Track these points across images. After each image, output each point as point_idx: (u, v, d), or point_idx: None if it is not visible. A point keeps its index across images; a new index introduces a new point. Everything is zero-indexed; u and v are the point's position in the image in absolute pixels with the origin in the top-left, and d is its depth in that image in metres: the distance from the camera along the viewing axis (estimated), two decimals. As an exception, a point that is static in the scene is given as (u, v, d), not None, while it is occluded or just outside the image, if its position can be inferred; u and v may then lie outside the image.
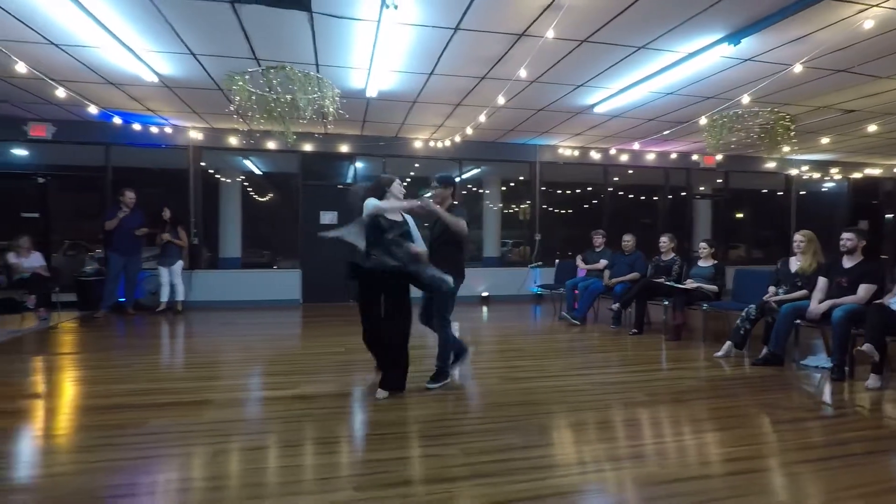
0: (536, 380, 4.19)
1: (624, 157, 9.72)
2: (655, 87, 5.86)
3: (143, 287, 7.74)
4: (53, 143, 7.69)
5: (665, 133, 7.76)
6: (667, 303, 5.93)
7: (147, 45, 4.78)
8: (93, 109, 6.31)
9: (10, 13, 4.02)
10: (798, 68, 4.62)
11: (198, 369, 4.67)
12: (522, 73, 4.88)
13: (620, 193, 12.28)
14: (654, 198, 10.97)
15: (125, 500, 2.23)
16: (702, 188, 11.82)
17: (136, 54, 4.92)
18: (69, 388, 4.01)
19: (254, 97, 4.94)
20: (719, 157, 9.67)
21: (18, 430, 3.08)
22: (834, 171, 11.22)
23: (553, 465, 2.56)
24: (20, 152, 8.06)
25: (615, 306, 6.26)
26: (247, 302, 8.32)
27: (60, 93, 5.38)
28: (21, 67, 4.51)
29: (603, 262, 7.03)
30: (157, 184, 8.55)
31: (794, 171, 11.01)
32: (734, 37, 4.40)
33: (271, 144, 8.24)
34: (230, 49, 4.86)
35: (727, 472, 2.48)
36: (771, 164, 10.42)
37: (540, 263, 9.50)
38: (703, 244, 6.00)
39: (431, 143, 8.99)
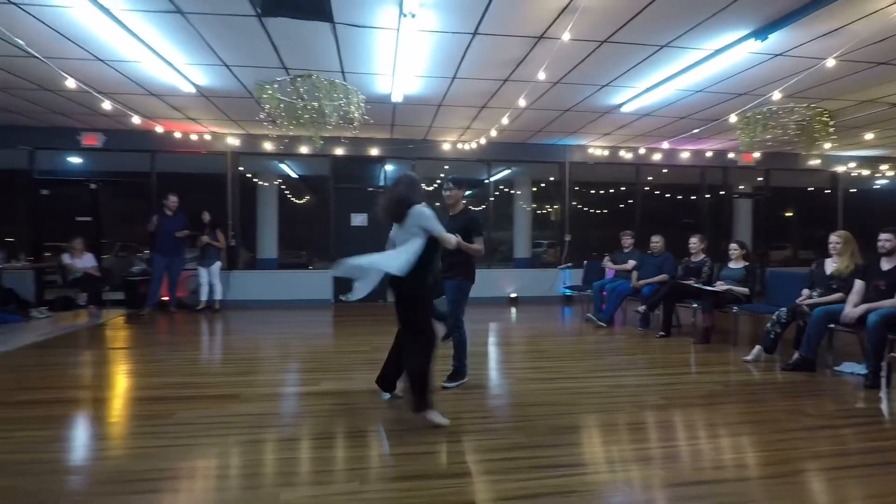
0: (555, 381, 4.20)
1: (657, 156, 9.51)
2: (683, 84, 5.74)
3: (185, 287, 8.15)
4: (104, 152, 8.21)
5: (695, 131, 7.57)
6: (695, 305, 5.80)
7: (184, 58, 5.07)
8: (136, 120, 6.70)
9: (60, 33, 4.35)
10: (831, 62, 4.44)
11: (229, 365, 4.92)
12: (541, 76, 4.90)
13: (657, 193, 12.03)
14: (693, 197, 10.66)
15: (161, 483, 2.42)
16: (741, 187, 11.43)
17: (174, 67, 5.21)
18: (114, 380, 4.31)
19: (282, 105, 5.15)
20: (757, 154, 9.33)
21: (71, 417, 3.35)
22: (885, 167, 10.62)
23: (556, 465, 2.59)
24: (74, 160, 8.64)
25: (642, 308, 6.16)
26: (281, 301, 8.62)
27: (106, 105, 5.75)
28: (70, 83, 4.86)
29: (631, 263, 6.92)
30: (198, 188, 8.96)
31: (840, 168, 10.49)
32: (761, 32, 4.28)
33: (303, 149, 8.52)
34: (260, 59, 5.08)
35: (738, 478, 2.45)
36: (815, 161, 9.97)
37: (570, 264, 9.42)
38: (733, 245, 5.83)
39: (460, 146, 9.06)
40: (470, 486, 2.39)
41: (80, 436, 3.11)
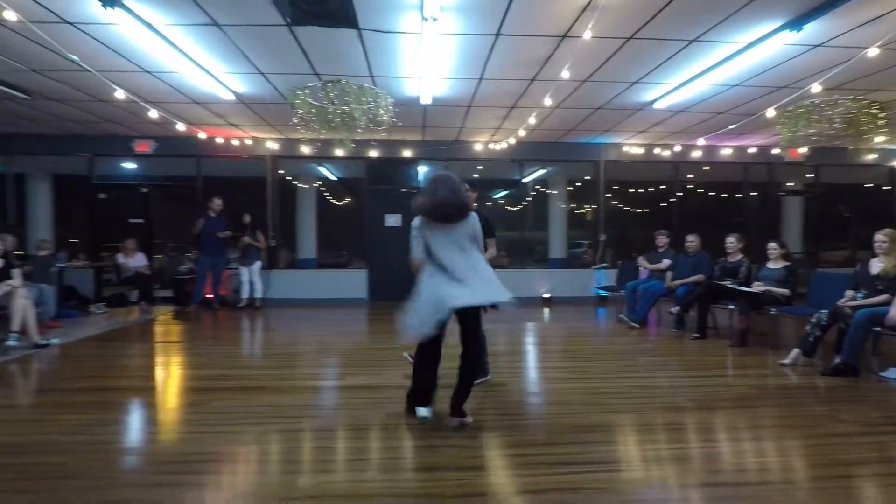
0: (578, 381, 4.18)
1: (696, 153, 9.23)
2: (717, 79, 5.58)
3: (227, 285, 8.54)
4: (154, 158, 8.73)
5: (731, 127, 7.32)
6: (732, 307, 5.61)
7: (223, 68, 5.34)
8: (181, 126, 7.10)
9: (110, 47, 4.68)
10: (874, 52, 4.22)
11: (265, 359, 5.17)
12: (565, 75, 4.88)
13: (698, 191, 11.67)
14: (738, 195, 10.25)
15: (193, 465, 2.59)
16: (790, 183, 10.92)
17: (214, 76, 5.50)
18: (160, 371, 4.61)
19: (314, 109, 5.35)
20: (803, 149, 8.90)
21: (119, 404, 3.61)
22: (952, 160, 9.91)
23: (568, 462, 2.60)
24: (128, 166, 9.21)
25: (674, 309, 6.02)
26: (319, 300, 8.89)
27: (153, 114, 6.12)
28: (120, 94, 5.21)
29: (665, 263, 6.76)
30: (241, 191, 9.38)
31: (899, 163, 9.87)
32: (796, 23, 4.13)
33: (339, 152, 8.75)
34: (293, 66, 5.29)
35: (745, 482, 2.39)
36: (870, 156, 9.39)
37: (605, 264, 9.28)
38: (771, 245, 5.60)
39: (491, 146, 9.09)
40: (481, 478, 2.44)
41: (125, 420, 3.35)
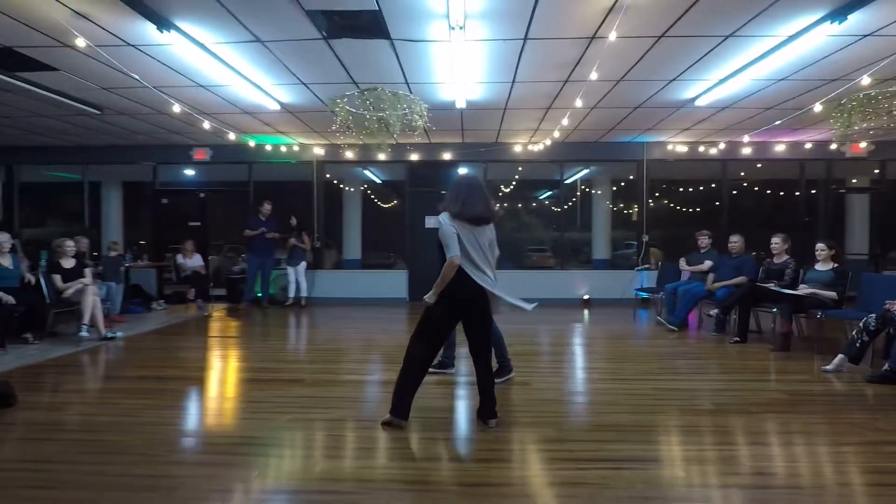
0: (604, 381, 4.19)
1: (747, 151, 8.87)
2: (760, 74, 5.39)
3: (276, 284, 9.01)
4: (211, 164, 9.33)
5: (777, 123, 7.00)
6: (775, 310, 5.40)
7: (268, 80, 5.68)
8: (231, 136, 7.57)
9: (166, 65, 5.10)
10: (928, 40, 3.97)
11: (305, 354, 5.46)
12: (593, 76, 4.87)
13: (752, 190, 11.18)
14: (795, 193, 9.71)
15: (242, 447, 2.85)
16: (854, 180, 10.27)
17: (260, 88, 5.86)
18: (210, 363, 4.97)
19: (351, 117, 5.60)
20: (865, 144, 8.36)
21: (171, 391, 3.96)
22: None
23: (576, 458, 2.66)
24: (187, 172, 9.89)
25: (713, 312, 5.85)
26: (361, 299, 9.21)
27: (206, 125, 6.58)
28: (176, 108, 5.66)
29: (707, 264, 6.57)
30: (289, 195, 9.85)
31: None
32: (838, 14, 3.95)
33: (381, 156, 9.03)
34: (332, 76, 5.56)
35: (761, 485, 2.37)
36: (945, 150, 8.71)
37: (647, 266, 9.08)
38: (820, 245, 5.35)
39: (531, 147, 9.09)
40: (484, 470, 2.54)
41: (176, 405, 3.66)
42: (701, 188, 10.76)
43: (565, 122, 6.76)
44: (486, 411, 3.14)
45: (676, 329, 6.29)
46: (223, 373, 4.66)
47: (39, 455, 2.79)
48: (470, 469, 2.57)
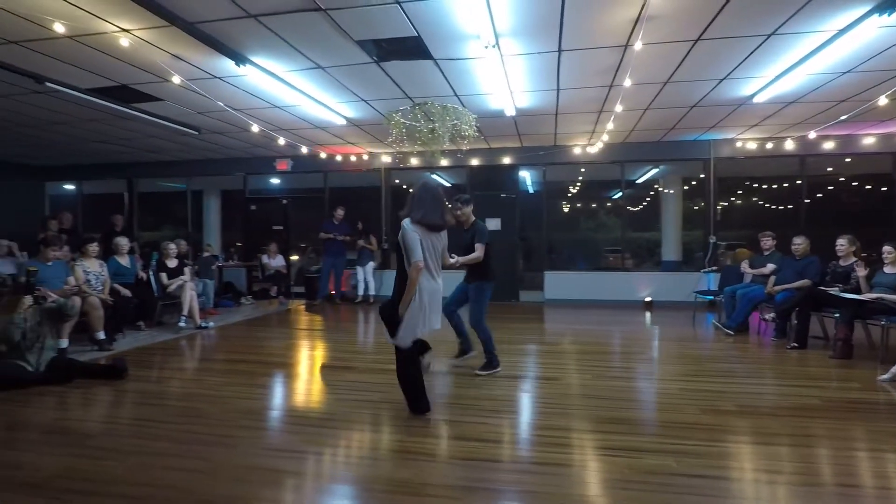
0: (632, 380, 4.31)
1: (828, 145, 8.29)
2: (817, 69, 5.17)
3: (347, 282, 9.78)
4: (291, 174, 10.31)
5: (843, 118, 6.55)
6: (837, 315, 5.15)
7: (333, 99, 6.33)
8: (304, 150, 8.40)
9: (247, 91, 5.89)
10: None
11: (374, 346, 6.02)
12: (627, 83, 4.97)
13: (840, 186, 10.35)
14: (883, 188, 8.88)
15: (303, 418, 3.41)
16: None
17: (327, 106, 6.53)
18: (289, 351, 5.68)
19: (405, 129, 6.11)
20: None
21: (248, 373, 4.66)
22: None
23: (575, 445, 2.91)
24: (273, 181, 10.99)
25: (770, 316, 5.66)
26: (424, 297, 9.71)
27: (281, 141, 7.40)
28: (255, 128, 6.47)
29: (769, 267, 6.32)
30: (360, 200, 10.63)
31: None
32: (886, 7, 3.79)
33: (443, 161, 9.51)
34: (388, 93, 6.08)
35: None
36: None
37: (714, 268, 8.76)
38: (887, 248, 5.02)
39: (590, 149, 9.12)
40: (489, 448, 2.88)
41: (251, 383, 4.32)
42: (774, 186, 10.12)
43: (610, 125, 6.80)
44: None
45: (733, 333, 6.14)
46: (294, 359, 5.33)
47: (144, 415, 3.53)
48: (478, 448, 2.92)
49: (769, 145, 8.51)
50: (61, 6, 3.77)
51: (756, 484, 2.43)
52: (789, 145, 8.32)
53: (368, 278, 9.39)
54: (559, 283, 9.49)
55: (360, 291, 9.40)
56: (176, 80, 5.03)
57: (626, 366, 4.88)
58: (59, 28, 3.95)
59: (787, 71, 5.25)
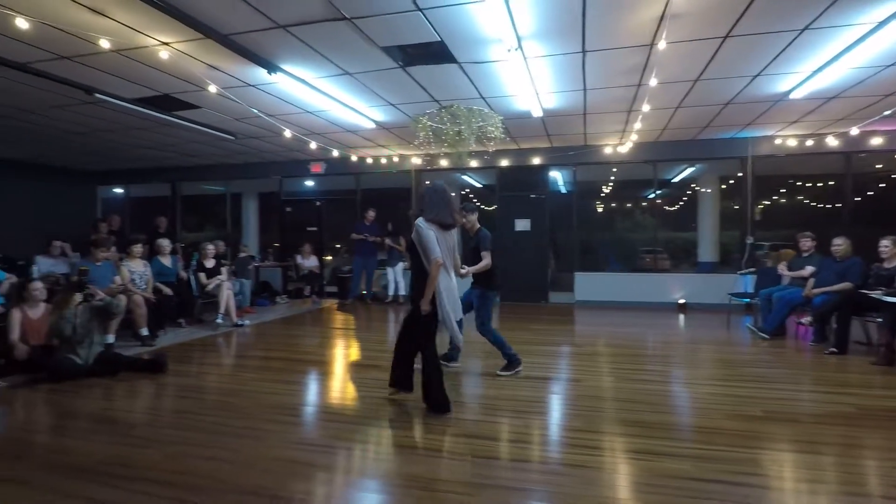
0: (657, 383, 4.26)
1: (877, 141, 7.91)
2: (858, 62, 4.96)
3: (377, 283, 9.96)
4: (325, 176, 10.58)
5: (886, 113, 6.23)
6: (880, 320, 4.94)
7: (362, 104, 6.48)
8: (335, 153, 8.62)
9: (279, 98, 6.11)
10: None
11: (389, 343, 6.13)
12: (653, 82, 4.90)
13: (890, 185, 9.84)
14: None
15: (330, 414, 3.56)
16: None
17: (356, 111, 6.69)
18: (320, 349, 5.87)
19: (431, 132, 6.20)
20: None
21: (279, 369, 4.86)
22: None
23: (589, 446, 2.93)
24: (307, 183, 11.31)
25: (806, 320, 5.46)
26: (453, 298, 9.80)
27: (313, 145, 7.62)
28: (287, 133, 6.69)
29: (808, 270, 6.10)
30: (392, 201, 10.80)
31: None
32: (927, -2, 3.63)
33: (473, 163, 9.57)
34: (415, 97, 6.18)
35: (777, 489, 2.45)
36: None
37: (752, 270, 8.48)
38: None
39: (621, 149, 8.99)
40: (506, 448, 2.93)
41: (281, 379, 4.51)
42: (820, 184, 9.70)
43: (639, 125, 6.70)
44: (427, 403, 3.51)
45: (768, 337, 5.96)
46: (325, 356, 5.50)
47: (182, 408, 3.75)
48: (490, 445, 2.97)
49: (809, 142, 8.18)
50: (107, 23, 4.03)
51: (773, 491, 2.39)
52: (832, 142, 7.99)
53: (398, 279, 9.54)
54: (590, 285, 9.39)
55: (391, 291, 9.56)
56: (212, 88, 5.28)
57: (652, 368, 4.81)
58: (105, 44, 4.22)
59: (825, 66, 5.07)
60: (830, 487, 2.43)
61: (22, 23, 3.80)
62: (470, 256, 4.55)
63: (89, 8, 3.80)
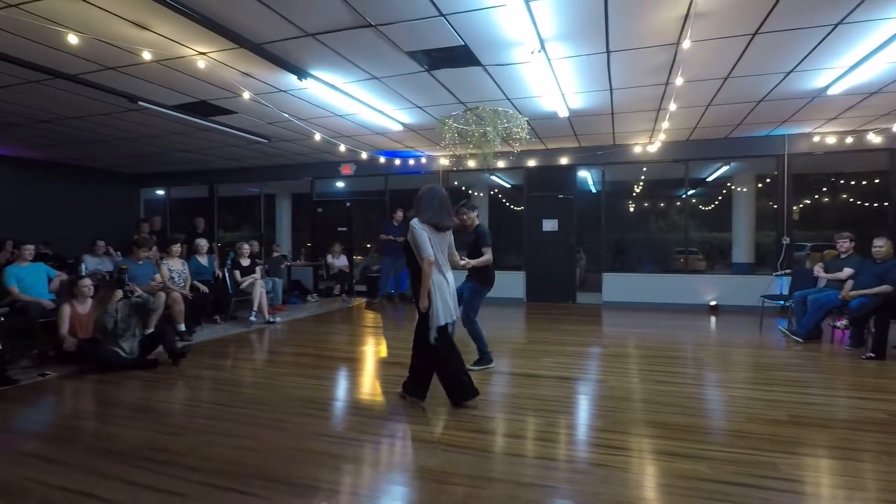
0: (678, 385, 4.21)
1: (924, 136, 7.56)
2: (897, 57, 4.78)
3: (406, 282, 10.10)
4: (355, 177, 10.80)
5: None
6: (922, 324, 4.74)
7: (389, 107, 6.62)
8: (363, 156, 8.80)
9: (309, 102, 6.31)
10: None
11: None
12: (678, 82, 4.84)
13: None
14: None
15: (354, 409, 3.69)
16: None
17: (383, 113, 6.84)
18: (349, 346, 6.04)
19: (457, 134, 6.28)
20: None
21: (314, 365, 5.03)
22: None
23: (602, 444, 2.95)
24: (338, 184, 11.56)
25: (842, 323, 5.28)
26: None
27: (342, 148, 7.81)
28: (317, 137, 6.89)
29: (847, 272, 5.89)
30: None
31: None
32: (970, -11, 3.49)
33: (500, 163, 9.60)
34: (441, 99, 6.27)
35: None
36: None
37: (788, 271, 8.22)
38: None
39: (650, 148, 8.86)
40: (523, 445, 2.98)
41: (309, 374, 4.67)
42: (865, 182, 9.30)
43: (666, 124, 6.60)
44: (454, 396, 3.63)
45: (802, 340, 5.78)
46: (354, 353, 5.64)
47: (215, 399, 3.95)
48: (498, 441, 3.03)
49: (850, 139, 7.87)
50: (149, 36, 4.28)
51: (788, 495, 2.37)
52: (875, 138, 7.67)
53: (426, 278, 9.65)
54: (618, 285, 9.28)
55: (418, 291, 9.67)
56: (246, 94, 5.51)
57: (676, 370, 4.75)
58: (147, 55, 4.48)
59: (863, 60, 4.90)
60: (853, 494, 2.38)
61: (73, 38, 4.07)
62: (468, 252, 4.66)
63: (133, 22, 4.04)
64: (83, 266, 6.51)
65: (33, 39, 4.33)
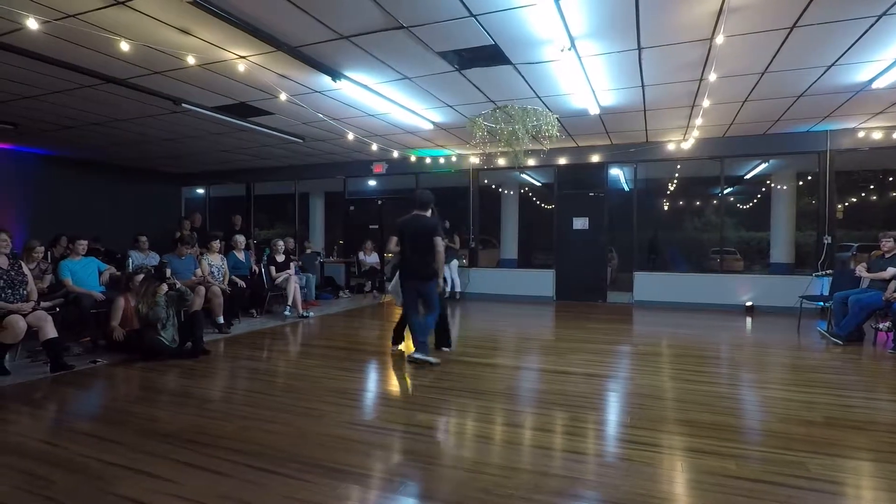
0: (707, 384, 4.16)
1: (980, 132, 7.19)
2: (948, 48, 4.58)
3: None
4: (386, 176, 10.98)
5: None
6: (972, 327, 4.54)
7: (420, 106, 6.73)
8: (394, 154, 8.94)
9: (343, 103, 6.47)
10: None
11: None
12: (712, 77, 4.76)
13: None
14: None
15: (381, 398, 3.82)
16: None
17: (415, 113, 6.95)
18: (377, 340, 6.18)
19: (487, 132, 6.34)
20: None
21: (343, 357, 5.18)
22: None
23: (624, 439, 2.96)
24: (370, 183, 11.77)
25: (884, 325, 5.10)
26: (510, 296, 9.88)
27: (374, 147, 7.96)
28: (350, 136, 7.06)
29: (891, 271, 5.67)
30: (451, 200, 11.03)
31: None
32: None
33: (531, 161, 9.58)
34: (472, 98, 6.34)
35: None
36: None
37: (829, 272, 7.94)
38: None
39: (684, 145, 8.70)
40: (544, 437, 3.02)
41: (338, 366, 4.82)
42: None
43: (700, 121, 6.48)
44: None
45: (842, 342, 5.60)
46: (383, 347, 5.77)
47: (252, 387, 4.13)
48: (519, 433, 3.08)
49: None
50: (192, 41, 4.50)
51: (815, 494, 2.34)
52: (927, 134, 7.33)
53: (453, 276, 9.75)
54: (650, 285, 9.16)
55: (448, 288, 9.77)
56: (283, 96, 5.71)
57: (708, 370, 4.68)
58: (190, 59, 4.71)
59: (909, 53, 4.72)
60: (881, 495, 2.34)
61: (125, 45, 4.32)
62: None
63: (178, 28, 4.26)
64: (130, 261, 6.86)
65: (88, 46, 4.61)
